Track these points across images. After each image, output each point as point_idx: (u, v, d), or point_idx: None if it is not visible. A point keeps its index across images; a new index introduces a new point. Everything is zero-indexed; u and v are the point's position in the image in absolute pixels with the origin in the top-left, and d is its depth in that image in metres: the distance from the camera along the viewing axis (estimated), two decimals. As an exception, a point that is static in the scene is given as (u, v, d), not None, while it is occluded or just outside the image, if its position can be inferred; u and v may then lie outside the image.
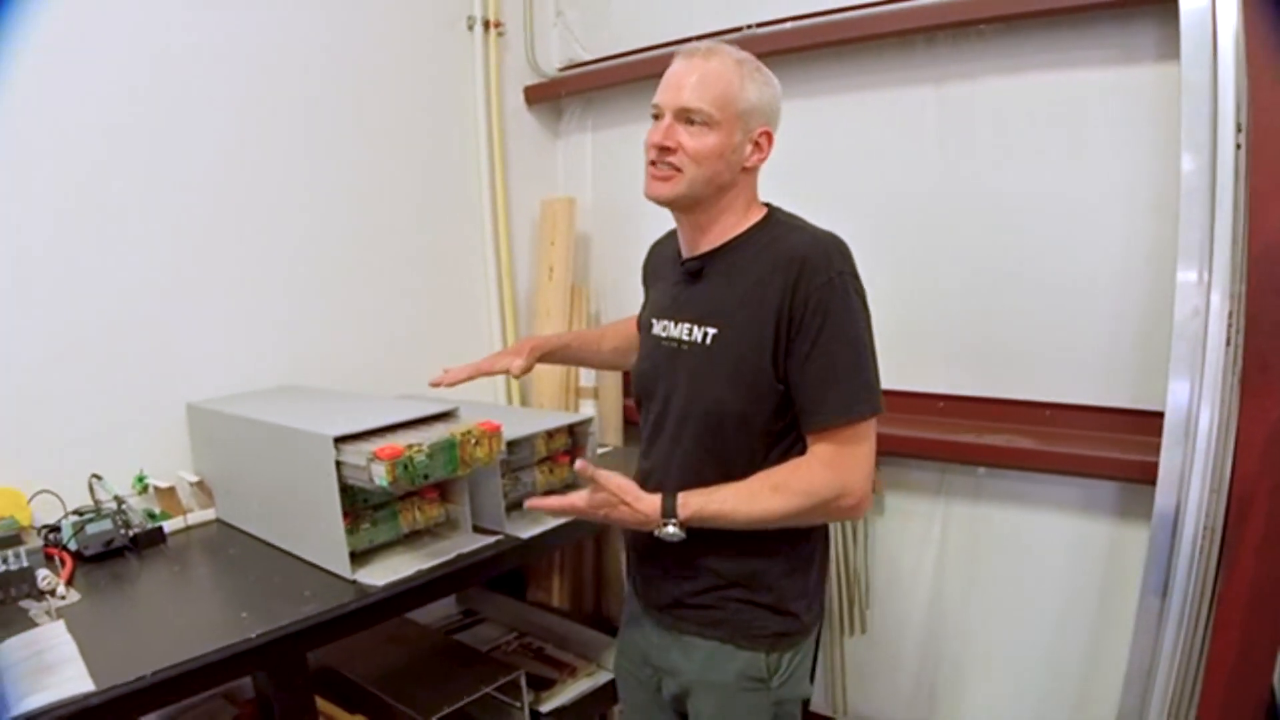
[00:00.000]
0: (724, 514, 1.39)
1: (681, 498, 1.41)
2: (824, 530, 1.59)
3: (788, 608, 1.51)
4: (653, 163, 1.46)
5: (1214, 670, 1.82)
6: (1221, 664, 1.80)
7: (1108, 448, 2.10)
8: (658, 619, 1.61)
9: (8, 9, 1.06)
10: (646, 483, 1.52)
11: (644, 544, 1.58)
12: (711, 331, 1.46)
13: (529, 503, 1.52)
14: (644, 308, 1.77)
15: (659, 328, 1.58)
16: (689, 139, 1.42)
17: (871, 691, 2.60)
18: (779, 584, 1.50)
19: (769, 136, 1.47)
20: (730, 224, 1.50)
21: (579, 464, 1.43)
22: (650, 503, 1.43)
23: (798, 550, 1.51)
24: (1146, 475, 1.92)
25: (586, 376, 2.93)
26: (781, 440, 1.46)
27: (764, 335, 1.40)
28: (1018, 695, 2.38)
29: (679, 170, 1.43)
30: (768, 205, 1.55)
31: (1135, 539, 2.05)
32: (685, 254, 1.57)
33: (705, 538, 1.45)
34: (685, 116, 1.42)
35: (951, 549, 2.44)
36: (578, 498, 1.48)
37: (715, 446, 1.45)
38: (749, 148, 1.45)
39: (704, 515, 1.40)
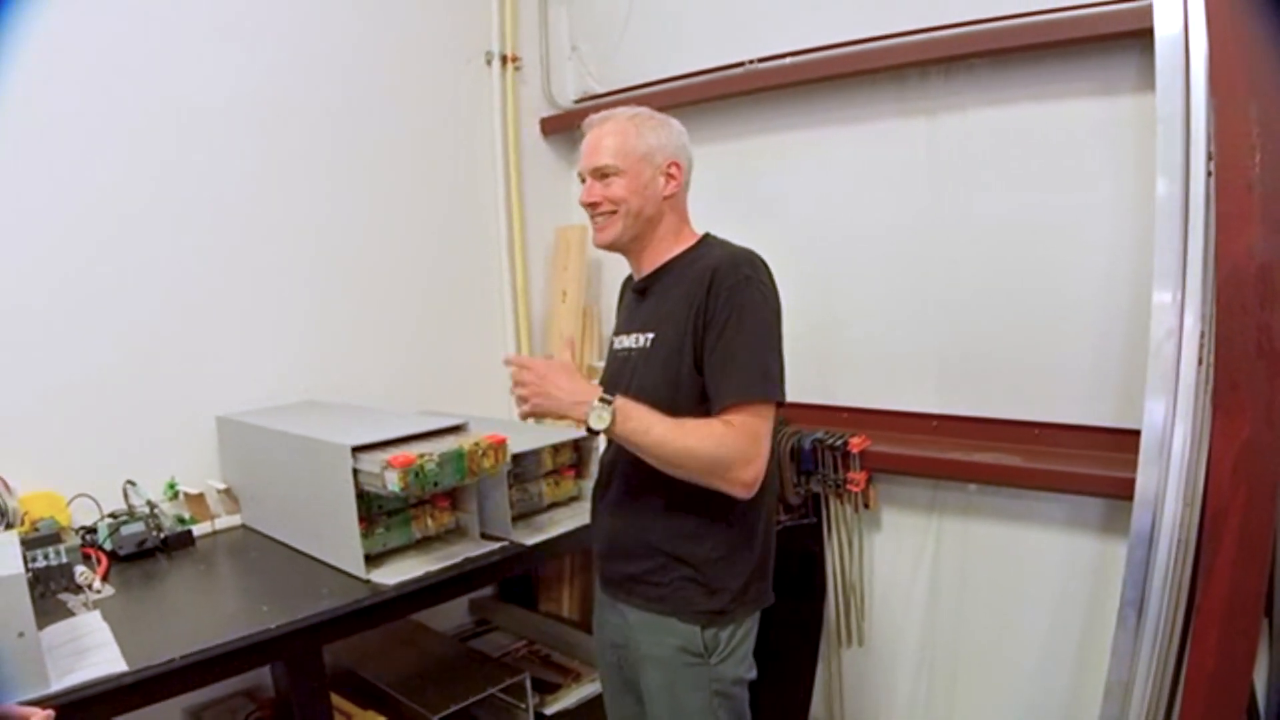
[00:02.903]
0: (645, 422, 1.52)
1: (618, 399, 1.54)
2: (765, 516, 1.72)
3: (724, 585, 1.64)
4: (592, 218, 1.72)
5: (1193, 680, 1.85)
6: (1200, 674, 1.83)
7: (1093, 465, 2.16)
8: (613, 595, 1.75)
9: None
10: (605, 474, 1.76)
11: (603, 525, 1.76)
12: (650, 336, 1.67)
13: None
14: None
15: (618, 343, 1.79)
16: (606, 189, 1.67)
17: (867, 701, 2.66)
18: (716, 564, 1.64)
19: (678, 166, 1.71)
20: (666, 248, 1.73)
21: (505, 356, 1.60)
22: (583, 385, 1.58)
23: (735, 531, 1.65)
24: (1128, 491, 1.97)
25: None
26: None
27: (685, 332, 1.60)
28: (1008, 705, 2.42)
29: (613, 213, 1.67)
30: (706, 234, 1.77)
31: (1119, 553, 2.09)
32: (636, 278, 1.79)
33: (654, 517, 1.65)
34: (599, 174, 1.68)
35: (944, 563, 2.50)
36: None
37: None
38: (661, 180, 1.69)
39: (629, 410, 1.53)
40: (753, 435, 1.53)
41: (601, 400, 1.52)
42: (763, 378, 1.56)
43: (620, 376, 1.72)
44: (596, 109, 3.05)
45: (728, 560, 1.65)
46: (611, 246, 1.74)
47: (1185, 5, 1.85)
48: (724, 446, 1.51)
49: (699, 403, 1.58)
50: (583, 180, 1.73)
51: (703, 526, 1.63)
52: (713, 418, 1.54)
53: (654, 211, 1.69)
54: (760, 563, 1.70)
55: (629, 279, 1.90)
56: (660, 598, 1.65)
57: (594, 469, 2.26)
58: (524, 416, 1.67)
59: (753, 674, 1.72)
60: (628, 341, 1.75)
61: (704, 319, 1.57)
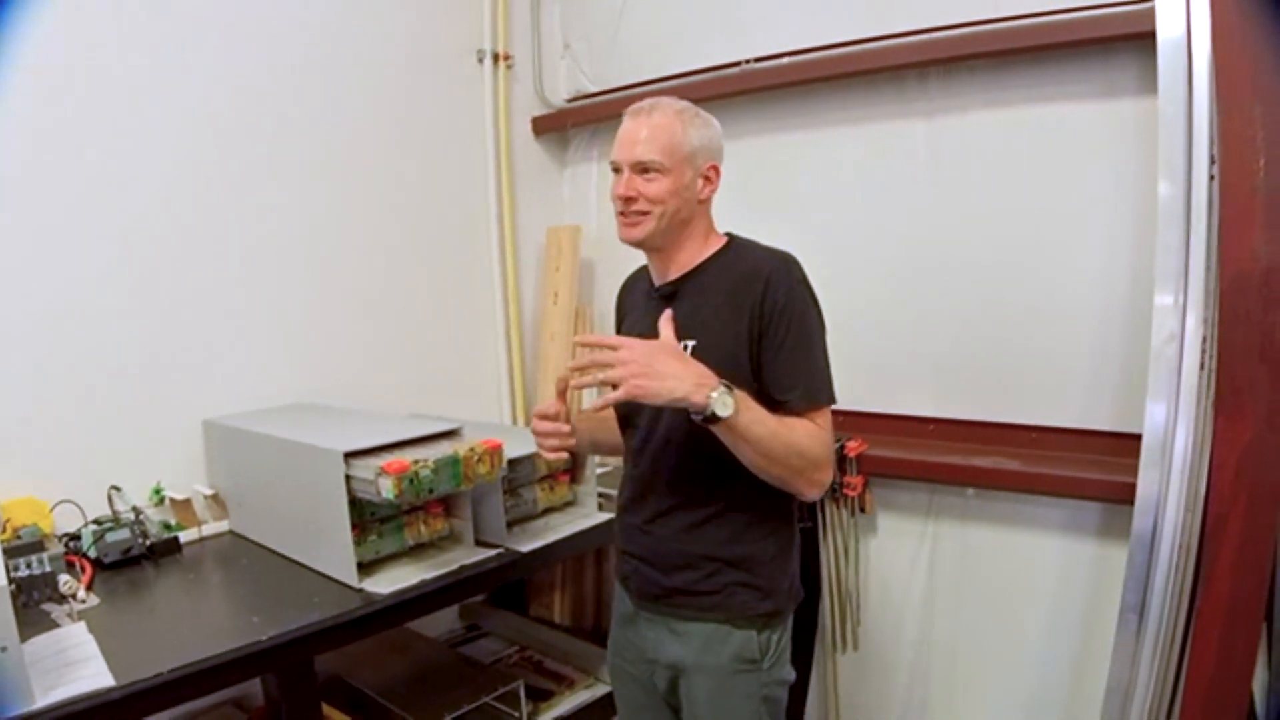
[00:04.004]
0: (758, 412, 1.44)
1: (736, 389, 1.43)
2: (796, 518, 1.69)
3: (776, 586, 1.61)
4: (621, 212, 1.62)
5: (1193, 685, 1.85)
6: (1200, 679, 1.84)
7: (1091, 469, 2.15)
8: (652, 611, 1.68)
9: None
10: (640, 488, 1.67)
11: (638, 540, 1.69)
12: (691, 343, 1.57)
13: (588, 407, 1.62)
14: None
15: None
16: (647, 186, 1.57)
17: (863, 707, 2.64)
18: (769, 564, 1.60)
19: (716, 170, 1.64)
20: (695, 250, 1.65)
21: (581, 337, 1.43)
22: (698, 366, 1.42)
23: (781, 535, 1.63)
24: (1128, 496, 1.96)
25: (589, 400, 2.99)
26: None
27: (739, 338, 1.53)
28: (1006, 711, 2.42)
29: (646, 214, 1.58)
30: (728, 234, 1.70)
31: (1118, 558, 2.08)
32: (657, 281, 1.71)
33: (704, 524, 1.59)
34: (640, 168, 1.58)
35: (941, 568, 2.49)
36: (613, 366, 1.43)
37: (703, 441, 1.51)
38: (700, 183, 1.61)
39: (747, 399, 1.42)
40: (826, 440, 1.52)
41: (723, 385, 1.39)
42: (827, 383, 1.55)
43: None
44: (588, 109, 3.09)
45: (780, 559, 1.62)
46: (639, 245, 1.66)
47: (1188, 8, 1.84)
48: (820, 446, 1.49)
49: None
50: (615, 170, 1.63)
51: (754, 528, 1.59)
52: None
53: (689, 214, 1.61)
54: (797, 562, 1.69)
55: (633, 282, 1.86)
56: (712, 606, 1.60)
57: (589, 474, 2.24)
58: (628, 396, 1.40)
59: (794, 675, 1.69)
60: None
61: (761, 324, 1.52)
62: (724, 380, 1.40)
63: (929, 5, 2.30)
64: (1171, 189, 1.88)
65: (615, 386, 1.40)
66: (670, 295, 1.66)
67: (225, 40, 2.32)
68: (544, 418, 1.65)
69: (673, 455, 1.61)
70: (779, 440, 1.45)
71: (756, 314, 1.52)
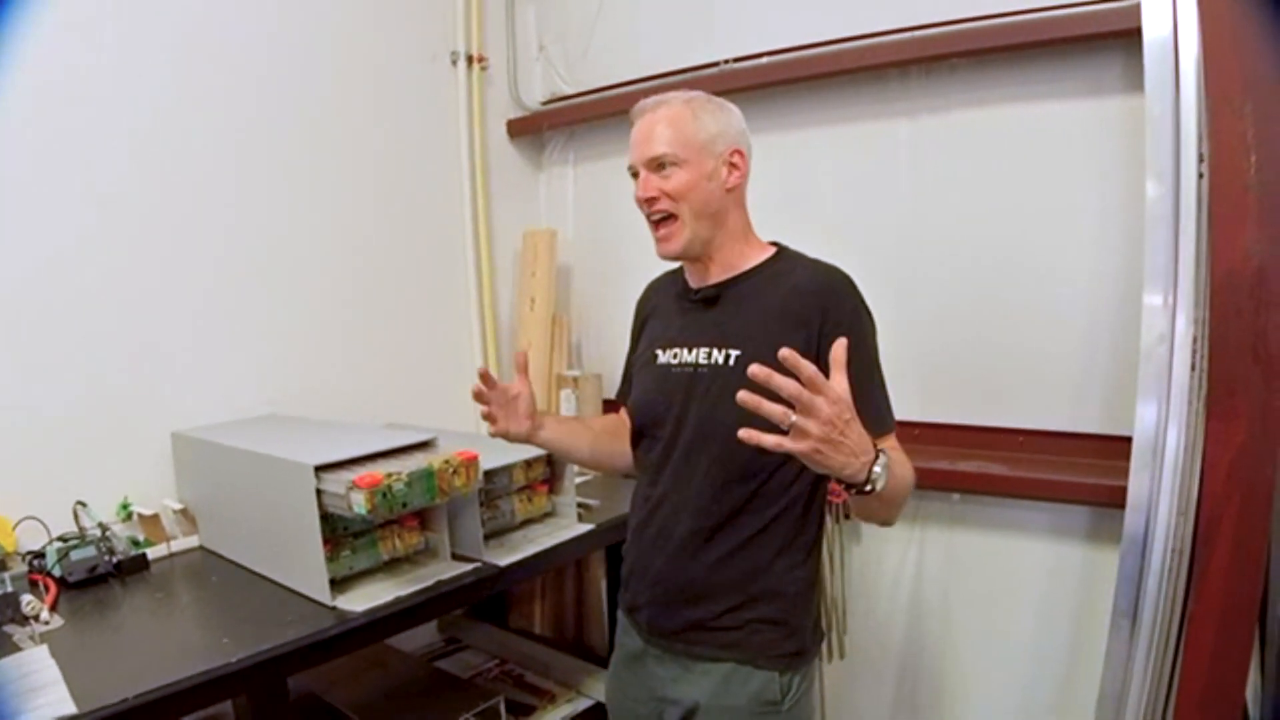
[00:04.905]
0: (901, 476, 1.35)
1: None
2: (820, 553, 1.62)
3: (802, 624, 1.54)
4: (653, 223, 1.54)
5: (1186, 690, 1.83)
6: (1193, 683, 1.81)
7: (1079, 473, 2.13)
8: (666, 647, 1.60)
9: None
10: (659, 509, 1.58)
11: (654, 568, 1.60)
12: (735, 353, 1.50)
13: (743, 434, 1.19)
14: (637, 347, 1.80)
15: (667, 356, 1.62)
16: (666, 183, 1.50)
17: (851, 716, 2.60)
18: (795, 602, 1.53)
19: (740, 154, 1.55)
20: (739, 253, 1.58)
21: (753, 369, 1.14)
22: (863, 440, 1.22)
23: (809, 567, 1.55)
24: (1116, 499, 1.94)
25: (567, 407, 2.95)
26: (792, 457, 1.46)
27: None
28: (996, 718, 2.39)
29: (675, 216, 1.51)
30: (775, 243, 1.63)
31: (1107, 562, 2.06)
32: (695, 284, 1.63)
33: (730, 554, 1.51)
34: (656, 165, 1.51)
35: (927, 574, 2.46)
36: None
37: (736, 460, 1.47)
38: (725, 170, 1.53)
39: (892, 464, 1.27)
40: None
41: (879, 452, 1.24)
42: (889, 407, 1.51)
43: (684, 398, 1.55)
44: (564, 111, 3.04)
45: (807, 594, 1.54)
46: (681, 257, 1.57)
47: (1174, 5, 1.82)
48: (912, 475, 1.43)
49: None
50: (634, 175, 1.56)
51: (783, 559, 1.51)
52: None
53: (719, 207, 1.53)
54: (821, 598, 1.62)
55: (661, 284, 1.78)
56: (732, 644, 1.51)
57: (569, 484, 2.19)
58: (809, 454, 1.16)
59: (815, 715, 1.63)
60: (690, 356, 1.57)
61: (821, 345, 1.37)
62: (880, 449, 1.24)
63: (910, 3, 2.27)
64: (1160, 189, 1.85)
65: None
66: (713, 299, 1.58)
67: (187, 44, 2.26)
68: (485, 382, 1.61)
69: (699, 474, 1.53)
70: (904, 485, 1.38)
71: (816, 333, 1.44)
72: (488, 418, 1.65)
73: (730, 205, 1.56)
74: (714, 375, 1.52)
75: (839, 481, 1.23)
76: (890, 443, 1.44)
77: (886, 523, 1.50)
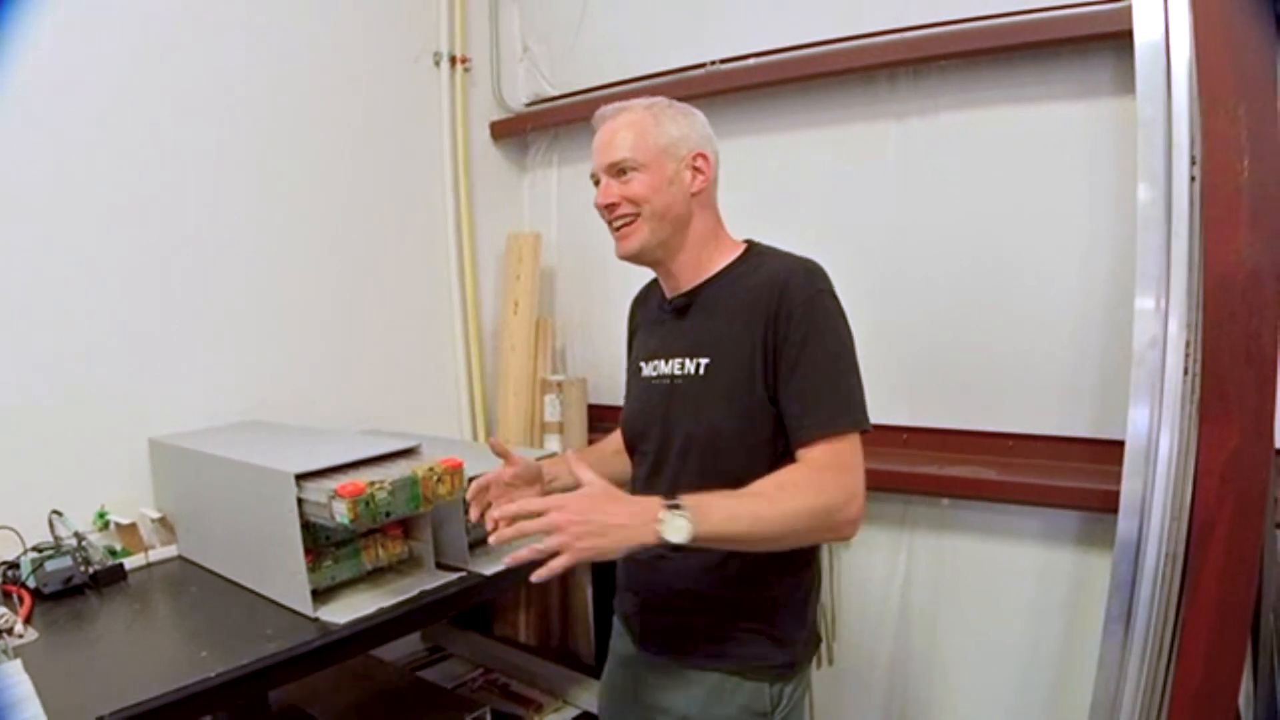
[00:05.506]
0: (727, 508, 1.27)
1: (687, 499, 1.25)
2: (819, 561, 1.59)
3: (794, 636, 1.51)
4: (612, 224, 1.53)
5: (1179, 695, 1.82)
6: (1186, 689, 1.80)
7: (1070, 477, 2.11)
8: (656, 654, 1.58)
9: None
10: None
11: (644, 576, 1.59)
12: (704, 361, 1.48)
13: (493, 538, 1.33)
14: (629, 359, 1.78)
15: (649, 369, 1.60)
16: (625, 188, 1.49)
17: (841, 724, 2.59)
18: (788, 614, 1.50)
19: (704, 158, 1.53)
20: (706, 258, 1.55)
21: (491, 440, 1.32)
22: (637, 501, 1.27)
23: (802, 579, 1.52)
24: (1108, 504, 1.92)
25: (551, 412, 2.92)
26: (782, 460, 1.43)
27: (753, 356, 1.42)
28: (987, 724, 2.37)
29: (633, 218, 1.50)
30: (748, 241, 1.60)
31: (1098, 567, 2.06)
32: (669, 294, 1.60)
33: (721, 568, 1.47)
34: (616, 170, 1.50)
35: (917, 580, 2.44)
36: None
37: (720, 470, 1.42)
38: (688, 174, 1.51)
39: (706, 505, 1.24)
40: (847, 468, 1.35)
41: (669, 508, 1.22)
42: (851, 405, 1.39)
43: (664, 410, 1.53)
44: (548, 113, 3.01)
45: (801, 606, 1.51)
46: (638, 257, 1.54)
47: (1165, 7, 1.81)
48: (824, 492, 1.31)
49: (775, 437, 1.42)
50: (595, 182, 1.56)
51: (775, 570, 1.47)
52: (798, 456, 1.37)
53: (682, 211, 1.51)
54: (816, 608, 1.58)
55: (644, 296, 1.76)
56: (722, 654, 1.48)
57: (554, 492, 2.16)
58: (565, 569, 1.23)
59: None
60: (667, 368, 1.54)
61: (776, 340, 1.39)
62: (668, 501, 1.23)
63: (899, 5, 2.26)
64: (1151, 192, 1.84)
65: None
66: (683, 308, 1.56)
67: (164, 45, 2.22)
68: (482, 490, 1.55)
69: (683, 485, 1.44)
70: (768, 522, 1.27)
71: (770, 332, 1.41)
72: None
73: (695, 209, 1.54)
74: (689, 385, 1.50)
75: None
76: (837, 447, 1.36)
77: (823, 541, 1.45)
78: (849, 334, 1.44)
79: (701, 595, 1.50)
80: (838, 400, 1.38)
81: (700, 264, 1.55)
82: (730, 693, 1.48)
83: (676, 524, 1.21)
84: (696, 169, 1.52)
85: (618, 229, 1.53)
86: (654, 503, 1.24)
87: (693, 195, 1.52)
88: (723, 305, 1.50)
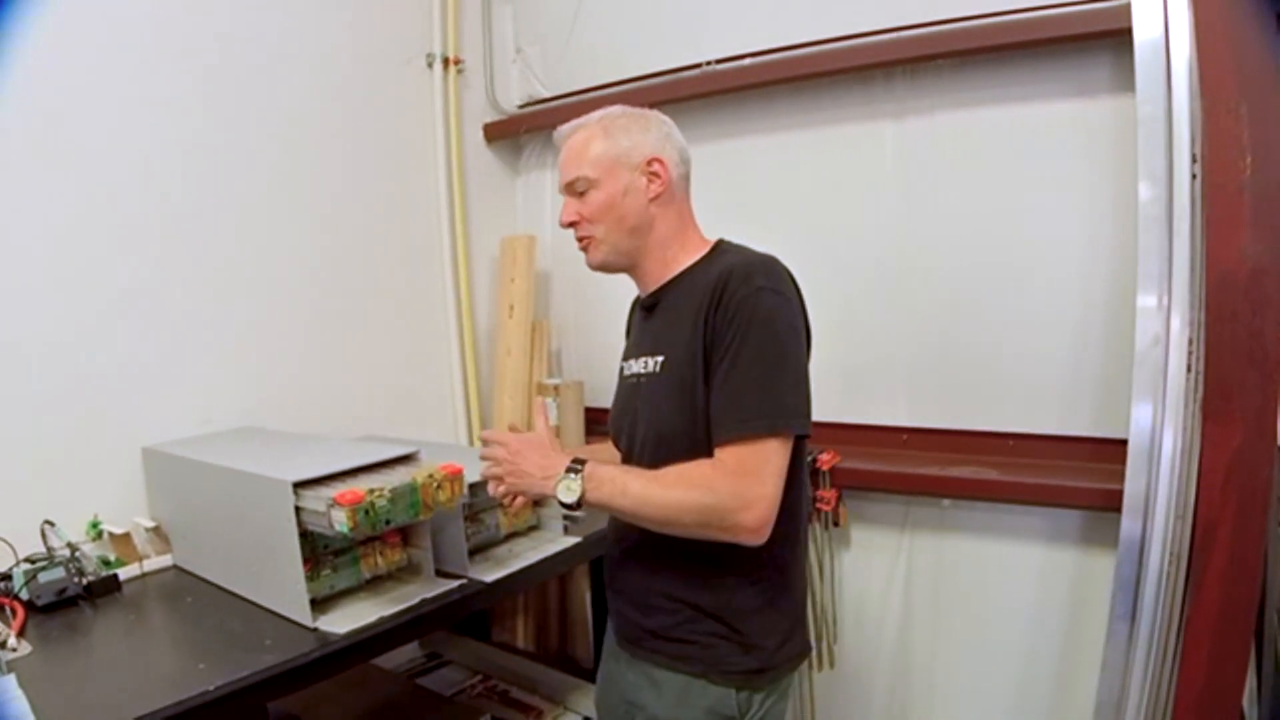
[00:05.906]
0: (619, 483, 1.40)
1: (588, 466, 1.42)
2: (801, 564, 1.58)
3: (761, 643, 1.48)
4: (577, 241, 1.58)
5: (1184, 695, 1.82)
6: (1190, 688, 1.81)
7: (1072, 476, 2.11)
8: (631, 651, 1.58)
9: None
10: (619, 518, 1.55)
11: (616, 575, 1.62)
12: (660, 359, 1.50)
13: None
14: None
15: (627, 368, 1.63)
16: (583, 206, 1.54)
17: (842, 727, 2.58)
18: (753, 618, 1.47)
19: (660, 162, 1.54)
20: (671, 258, 1.57)
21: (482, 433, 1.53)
22: (554, 457, 1.48)
23: (766, 585, 1.49)
24: (1111, 503, 1.92)
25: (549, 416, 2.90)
26: None
27: (695, 353, 1.42)
28: (989, 726, 2.37)
29: (592, 236, 1.55)
30: (719, 240, 1.60)
31: (1101, 567, 2.06)
32: (642, 294, 1.64)
33: (678, 567, 1.47)
34: (573, 189, 1.55)
35: (918, 581, 2.43)
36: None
37: (671, 465, 1.42)
38: (643, 181, 1.53)
39: (600, 475, 1.40)
40: (750, 473, 1.33)
41: (570, 470, 1.40)
42: (770, 407, 1.35)
43: (632, 407, 1.57)
44: (542, 114, 3.00)
45: (769, 612, 1.48)
46: (604, 269, 1.60)
47: (1165, 6, 1.81)
48: (714, 492, 1.32)
49: None
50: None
51: (734, 573, 1.45)
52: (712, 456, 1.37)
53: (641, 219, 1.53)
54: (800, 614, 1.57)
55: (637, 300, 1.75)
56: (686, 656, 1.48)
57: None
58: (500, 496, 1.57)
59: None
60: (636, 366, 1.57)
61: (714, 337, 1.39)
62: (576, 461, 1.42)
63: (896, 4, 2.25)
64: (1153, 190, 1.85)
65: None
66: (651, 308, 1.59)
67: (156, 47, 2.20)
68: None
69: None
70: (651, 504, 1.38)
71: (709, 328, 1.40)
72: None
73: (657, 213, 1.55)
74: (650, 383, 1.53)
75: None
76: (742, 452, 1.34)
77: (718, 540, 1.39)
78: (787, 331, 1.40)
79: (661, 597, 1.51)
80: (758, 402, 1.35)
81: (666, 264, 1.57)
82: (696, 695, 1.48)
83: (569, 484, 1.40)
84: (653, 174, 1.53)
85: (581, 246, 1.59)
86: (561, 461, 1.44)
87: (651, 200, 1.54)
88: (681, 303, 1.50)
